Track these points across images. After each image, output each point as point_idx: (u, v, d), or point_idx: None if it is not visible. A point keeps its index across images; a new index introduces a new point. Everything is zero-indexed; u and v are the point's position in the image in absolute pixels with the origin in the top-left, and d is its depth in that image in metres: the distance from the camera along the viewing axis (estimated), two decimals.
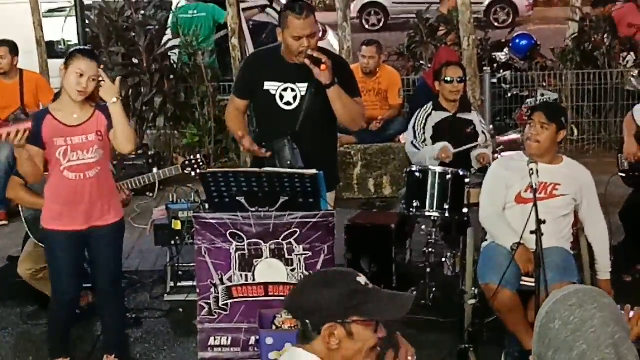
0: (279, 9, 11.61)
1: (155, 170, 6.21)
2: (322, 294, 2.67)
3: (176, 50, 9.78)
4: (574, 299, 2.43)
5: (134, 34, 9.49)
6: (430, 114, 6.56)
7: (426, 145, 6.44)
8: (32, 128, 4.57)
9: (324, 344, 2.65)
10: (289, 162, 4.91)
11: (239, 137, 5.17)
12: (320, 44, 5.04)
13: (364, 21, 21.28)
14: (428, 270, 6.16)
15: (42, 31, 9.93)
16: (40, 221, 4.98)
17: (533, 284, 4.70)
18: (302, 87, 4.98)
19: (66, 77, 4.69)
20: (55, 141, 4.73)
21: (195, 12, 10.50)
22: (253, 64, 5.29)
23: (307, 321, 2.68)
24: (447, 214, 5.99)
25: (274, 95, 5.03)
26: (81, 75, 4.65)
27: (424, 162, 6.27)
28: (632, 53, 9.99)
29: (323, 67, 4.79)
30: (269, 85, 5.04)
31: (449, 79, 6.52)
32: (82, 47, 5.14)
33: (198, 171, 5.79)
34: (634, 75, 9.72)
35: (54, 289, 5.06)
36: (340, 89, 4.89)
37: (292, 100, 5.01)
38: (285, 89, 5.02)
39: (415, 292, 6.18)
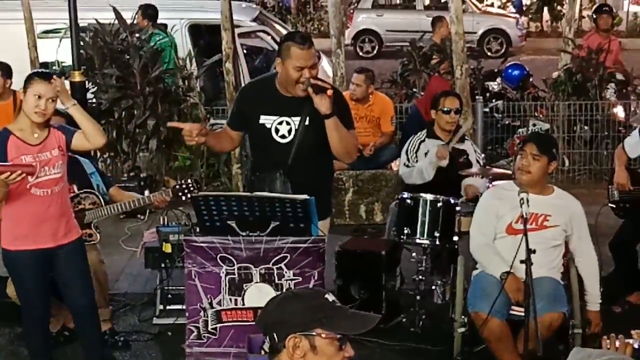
0: (274, 34, 11.68)
1: (146, 193, 6.20)
2: (288, 306, 2.76)
3: None
4: None
5: (128, 57, 9.50)
6: (423, 141, 6.60)
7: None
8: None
9: (289, 357, 2.72)
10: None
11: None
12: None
13: (358, 48, 21.35)
14: (418, 297, 6.16)
15: (36, 52, 9.95)
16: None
17: (522, 314, 4.71)
18: (295, 120, 4.98)
19: (25, 100, 4.85)
20: (23, 159, 4.83)
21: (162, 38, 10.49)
22: (248, 96, 5.22)
23: (274, 333, 2.75)
24: (437, 242, 6.01)
25: (270, 129, 5.02)
26: (39, 97, 4.81)
27: (421, 174, 6.29)
28: (612, 84, 10.06)
29: (329, 92, 4.77)
30: (264, 119, 5.03)
31: (446, 109, 6.56)
32: (39, 70, 5.26)
33: (189, 196, 5.78)
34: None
35: (25, 309, 5.17)
36: (338, 120, 4.88)
37: (287, 134, 5.00)
38: (280, 122, 5.00)
39: (404, 320, 6.18)
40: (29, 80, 4.87)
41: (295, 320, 2.72)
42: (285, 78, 4.92)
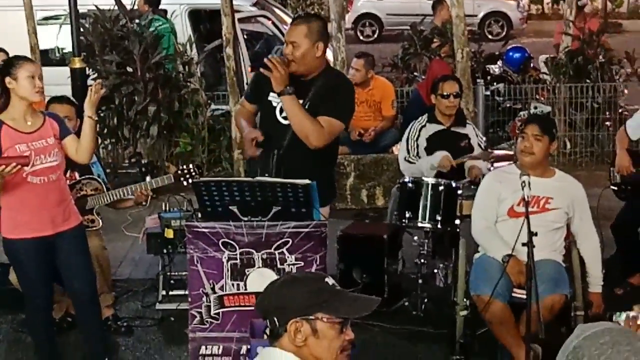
0: (274, 19, 11.65)
1: (148, 178, 6.21)
2: (289, 291, 2.75)
3: None
4: (607, 337, 2.30)
5: (128, 43, 9.48)
6: (424, 126, 6.58)
7: (419, 158, 6.46)
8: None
9: (290, 341, 2.70)
10: (266, 175, 4.92)
11: (242, 134, 5.17)
12: None
13: (358, 32, 21.31)
14: (420, 281, 6.16)
15: (36, 38, 9.92)
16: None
17: (524, 296, 4.71)
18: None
19: (19, 85, 4.83)
20: (17, 148, 4.82)
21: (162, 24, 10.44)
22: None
23: (275, 318, 2.73)
24: (439, 225, 6.01)
25: (275, 107, 5.04)
26: (33, 77, 4.83)
27: (421, 172, 6.27)
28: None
29: (263, 70, 4.86)
30: (272, 97, 5.04)
31: (445, 93, 6.53)
32: (16, 55, 5.22)
33: (190, 181, 5.79)
34: None
35: (28, 297, 5.18)
36: (295, 101, 4.87)
37: None
38: None
39: (407, 303, 6.19)
40: (14, 66, 4.85)
41: (296, 304, 2.71)
42: None
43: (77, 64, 8.84)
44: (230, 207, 4.85)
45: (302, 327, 2.69)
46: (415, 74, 10.45)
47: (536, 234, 4.62)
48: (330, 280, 2.80)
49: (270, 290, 2.81)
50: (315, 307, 2.71)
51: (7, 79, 4.83)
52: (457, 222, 5.98)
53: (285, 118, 5.00)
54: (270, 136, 5.04)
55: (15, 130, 4.85)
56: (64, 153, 5.05)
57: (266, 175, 4.93)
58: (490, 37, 19.95)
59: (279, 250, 4.84)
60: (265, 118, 5.17)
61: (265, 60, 4.89)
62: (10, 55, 8.04)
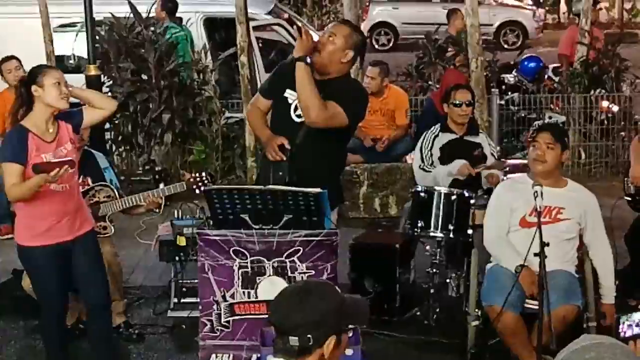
0: (288, 27, 11.66)
1: (161, 186, 6.22)
2: (321, 308, 2.73)
3: None
4: (593, 353, 2.30)
5: (143, 50, 9.52)
6: (437, 135, 6.57)
7: (434, 167, 6.45)
8: (18, 146, 4.81)
9: (322, 356, 2.71)
10: (280, 173, 4.93)
11: (265, 138, 5.15)
12: None
13: (373, 41, 21.33)
14: (432, 290, 6.15)
15: (52, 46, 9.98)
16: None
17: (537, 307, 4.69)
18: None
19: (47, 92, 4.82)
20: (44, 157, 4.82)
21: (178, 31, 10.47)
22: (284, 68, 5.20)
23: (309, 336, 2.70)
24: (451, 235, 6.00)
25: (290, 104, 5.05)
26: (59, 83, 4.84)
27: (437, 181, 6.26)
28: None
29: (300, 36, 4.91)
30: (288, 93, 5.05)
31: (457, 102, 6.53)
32: (40, 64, 5.26)
33: (202, 188, 5.80)
34: None
35: (44, 305, 5.18)
36: (308, 71, 4.87)
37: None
38: None
39: (418, 313, 6.18)
40: (40, 74, 4.85)
41: (332, 320, 2.73)
42: None
43: (93, 71, 8.88)
44: (241, 215, 4.85)
45: (334, 341, 2.72)
46: (430, 83, 10.44)
47: (548, 244, 4.60)
48: (337, 288, 2.84)
49: (290, 306, 2.76)
50: (344, 321, 2.76)
51: (34, 87, 4.83)
52: (470, 231, 5.96)
53: (299, 116, 5.01)
54: (283, 134, 5.04)
55: (40, 139, 4.84)
56: (78, 157, 5.08)
57: (280, 173, 4.94)
58: (506, 46, 19.94)
59: (290, 259, 4.83)
60: (278, 115, 5.17)
61: (301, 24, 4.93)
62: (24, 62, 8.22)
